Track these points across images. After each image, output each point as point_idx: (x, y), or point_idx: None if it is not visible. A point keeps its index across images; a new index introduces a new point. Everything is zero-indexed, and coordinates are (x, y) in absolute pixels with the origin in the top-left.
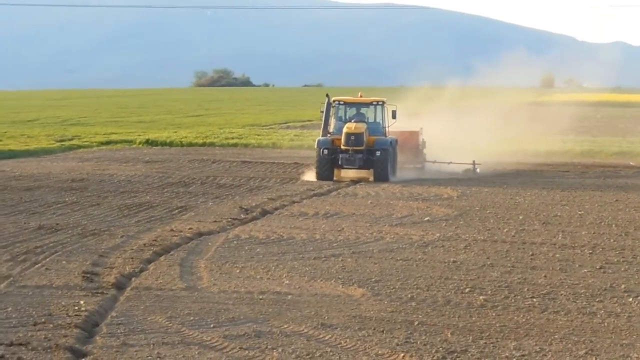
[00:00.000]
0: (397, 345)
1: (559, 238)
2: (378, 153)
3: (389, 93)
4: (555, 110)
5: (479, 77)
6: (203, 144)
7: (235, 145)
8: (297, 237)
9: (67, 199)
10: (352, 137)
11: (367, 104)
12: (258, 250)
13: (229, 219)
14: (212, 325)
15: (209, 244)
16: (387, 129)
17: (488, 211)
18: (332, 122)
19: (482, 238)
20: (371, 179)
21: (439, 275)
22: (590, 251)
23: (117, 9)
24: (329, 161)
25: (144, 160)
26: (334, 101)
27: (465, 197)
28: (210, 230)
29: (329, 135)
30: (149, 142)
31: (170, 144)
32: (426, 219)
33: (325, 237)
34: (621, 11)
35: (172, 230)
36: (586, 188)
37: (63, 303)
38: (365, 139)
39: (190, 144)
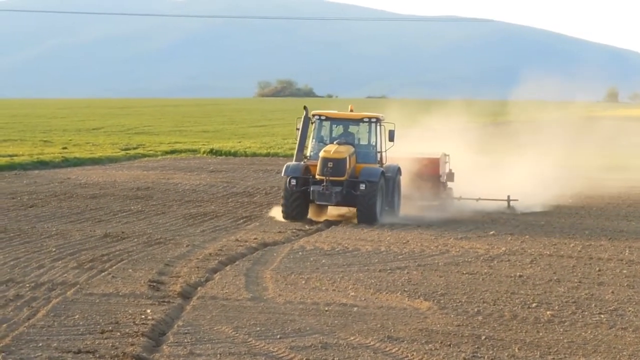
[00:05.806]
0: (464, 359)
1: (626, 254)
2: (362, 186)
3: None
4: (618, 125)
5: (543, 90)
6: (267, 154)
7: None
8: (362, 248)
9: (132, 208)
10: (330, 164)
11: (357, 121)
12: (323, 261)
13: (294, 230)
14: (278, 336)
15: (274, 254)
16: (383, 154)
17: (554, 226)
18: (311, 143)
19: (548, 253)
20: (355, 220)
21: (505, 289)
22: None
23: (181, 19)
24: (299, 195)
25: (209, 169)
26: (313, 115)
27: (530, 212)
28: (275, 241)
29: (305, 160)
30: (213, 152)
31: (235, 154)
32: (491, 232)
33: (390, 249)
34: None
35: (237, 240)
36: None
37: (130, 311)
38: (348, 166)
39: (255, 154)
